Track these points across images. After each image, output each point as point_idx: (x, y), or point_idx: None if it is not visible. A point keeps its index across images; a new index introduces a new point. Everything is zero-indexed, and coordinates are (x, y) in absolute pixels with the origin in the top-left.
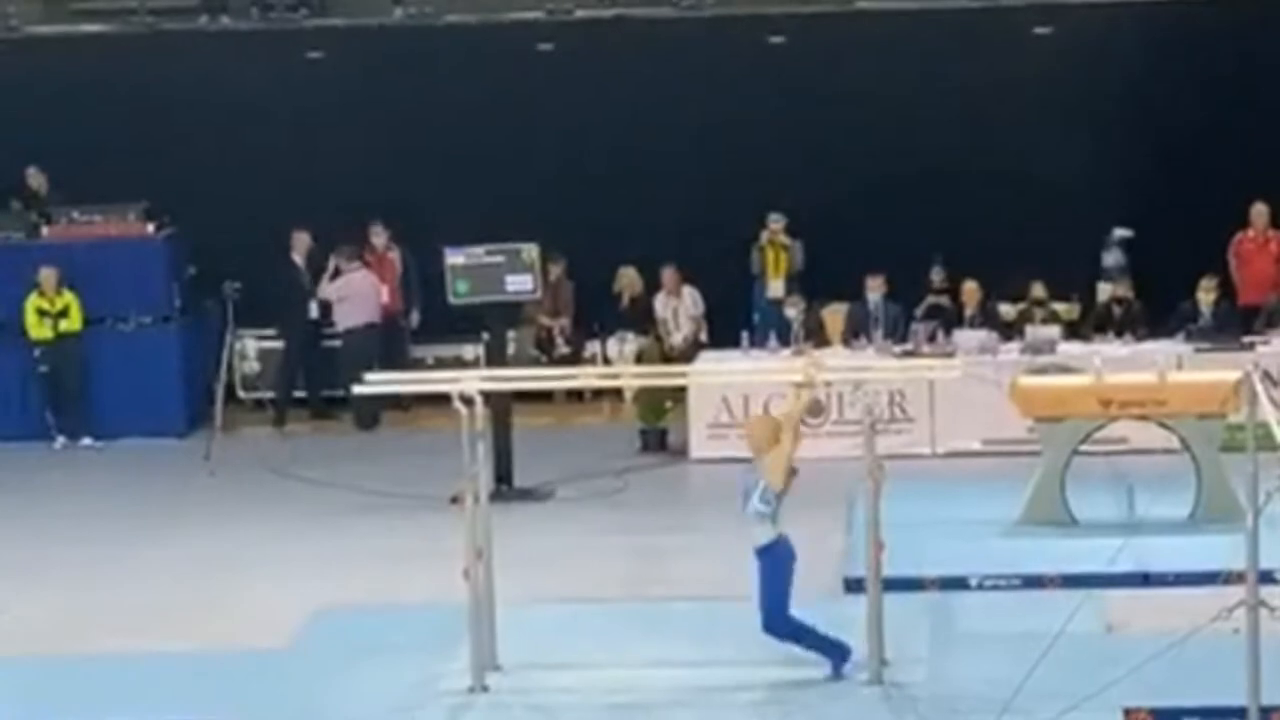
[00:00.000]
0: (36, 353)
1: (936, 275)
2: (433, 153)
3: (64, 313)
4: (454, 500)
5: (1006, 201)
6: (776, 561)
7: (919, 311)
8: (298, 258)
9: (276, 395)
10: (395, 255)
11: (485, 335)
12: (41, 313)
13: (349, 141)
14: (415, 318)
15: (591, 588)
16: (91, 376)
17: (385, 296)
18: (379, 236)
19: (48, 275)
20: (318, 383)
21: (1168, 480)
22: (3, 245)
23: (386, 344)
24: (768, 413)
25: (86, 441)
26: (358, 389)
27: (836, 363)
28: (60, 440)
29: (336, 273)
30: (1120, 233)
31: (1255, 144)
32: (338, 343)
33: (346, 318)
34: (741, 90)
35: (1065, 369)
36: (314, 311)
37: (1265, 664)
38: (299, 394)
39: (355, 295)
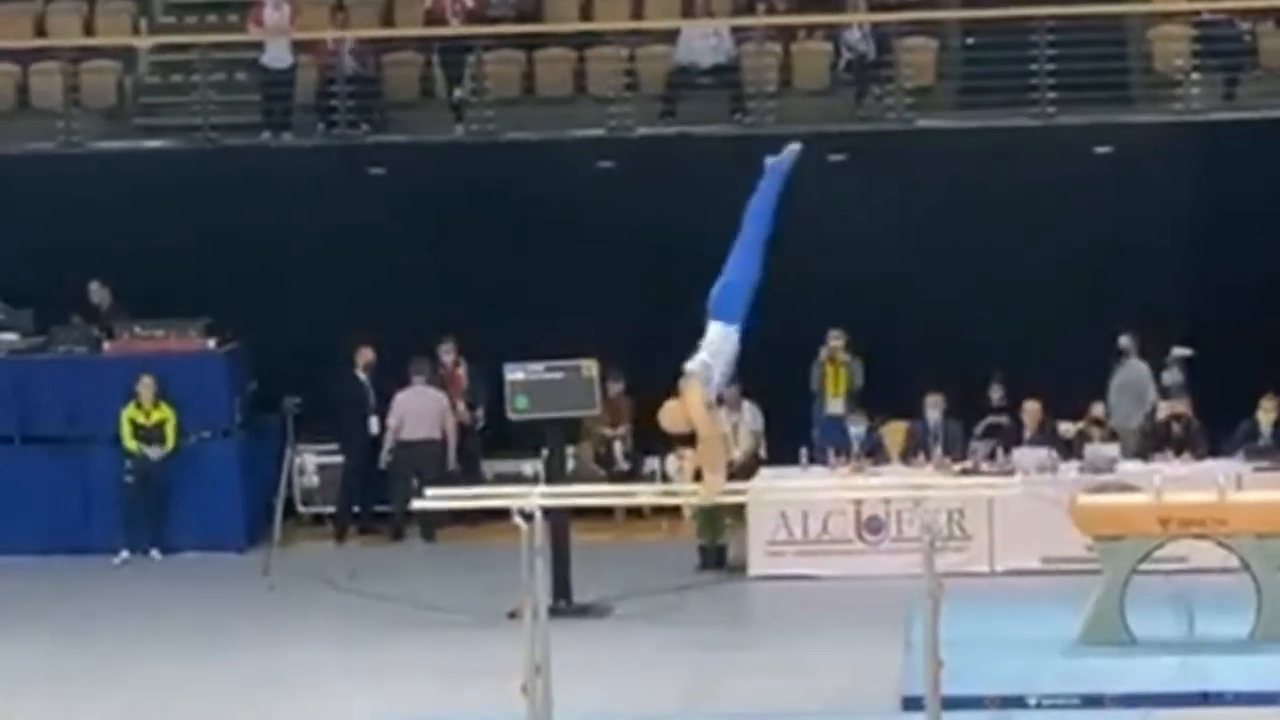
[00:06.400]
0: (127, 464)
1: (995, 393)
2: (493, 268)
3: (160, 425)
4: (512, 615)
5: (1065, 320)
6: None
7: (978, 430)
8: (360, 373)
9: (336, 510)
10: (463, 371)
11: (544, 451)
12: (135, 425)
13: (410, 257)
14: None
15: (649, 704)
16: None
17: (455, 412)
18: (449, 354)
19: (145, 385)
20: (373, 497)
21: (1227, 599)
22: (65, 359)
23: (460, 458)
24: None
25: (154, 554)
26: (417, 504)
27: (895, 480)
28: (123, 554)
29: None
30: (1180, 351)
31: None
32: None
33: (400, 432)
34: (801, 207)
35: (1125, 487)
36: (374, 427)
37: None
38: (357, 509)
39: (409, 411)
